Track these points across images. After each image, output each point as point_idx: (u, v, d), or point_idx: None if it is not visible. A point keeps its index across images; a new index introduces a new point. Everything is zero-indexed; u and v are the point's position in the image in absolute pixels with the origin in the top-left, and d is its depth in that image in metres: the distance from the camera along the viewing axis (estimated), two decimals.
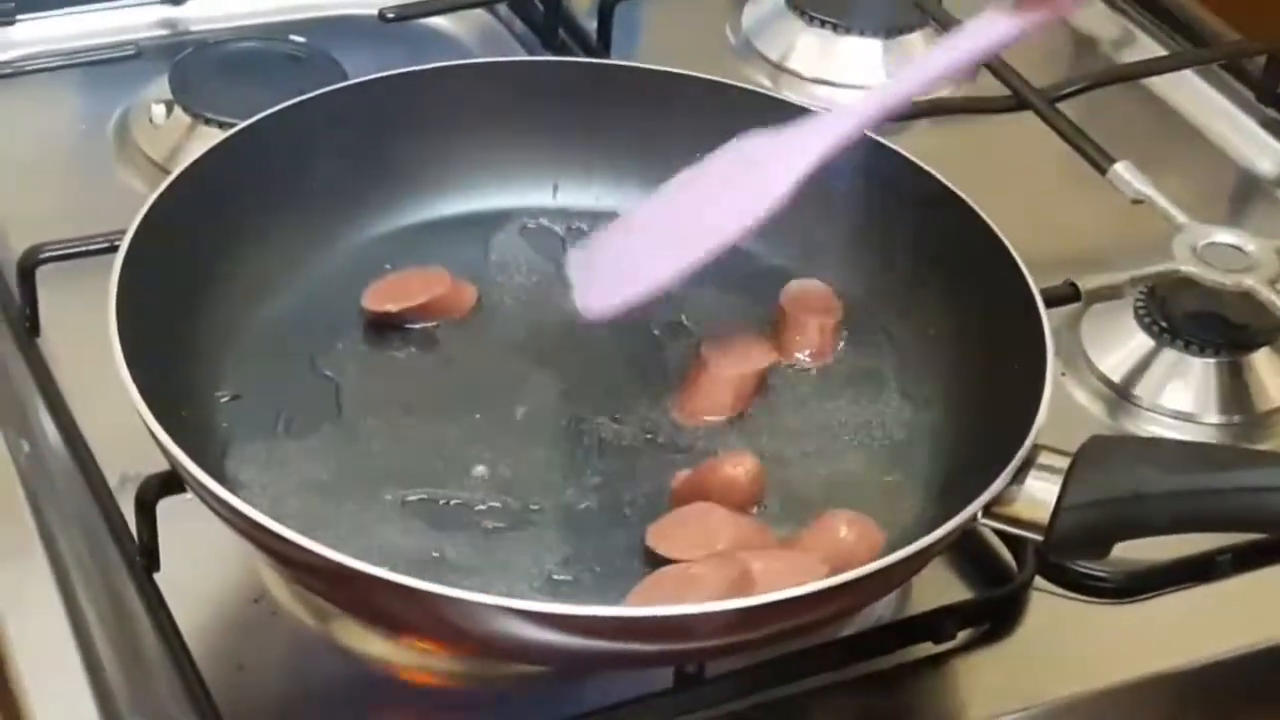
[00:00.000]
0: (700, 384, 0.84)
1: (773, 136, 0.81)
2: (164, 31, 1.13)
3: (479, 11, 1.16)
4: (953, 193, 0.87)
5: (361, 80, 0.92)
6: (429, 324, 0.87)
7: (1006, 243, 0.84)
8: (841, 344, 0.87)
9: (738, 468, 0.79)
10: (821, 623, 0.75)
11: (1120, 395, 0.93)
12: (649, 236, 0.82)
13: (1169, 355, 0.93)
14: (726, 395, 0.84)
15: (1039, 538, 0.74)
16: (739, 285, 0.90)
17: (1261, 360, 0.94)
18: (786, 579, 0.70)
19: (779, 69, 1.15)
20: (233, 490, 0.72)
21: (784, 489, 0.80)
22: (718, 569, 0.73)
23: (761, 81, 1.14)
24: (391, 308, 0.86)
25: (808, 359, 0.86)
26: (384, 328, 0.86)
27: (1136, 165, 0.99)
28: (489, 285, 0.89)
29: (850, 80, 1.14)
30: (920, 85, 0.82)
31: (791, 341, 0.86)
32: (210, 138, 0.89)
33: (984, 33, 0.80)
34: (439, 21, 1.15)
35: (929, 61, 0.81)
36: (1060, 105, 1.06)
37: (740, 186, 0.80)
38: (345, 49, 1.07)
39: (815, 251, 0.90)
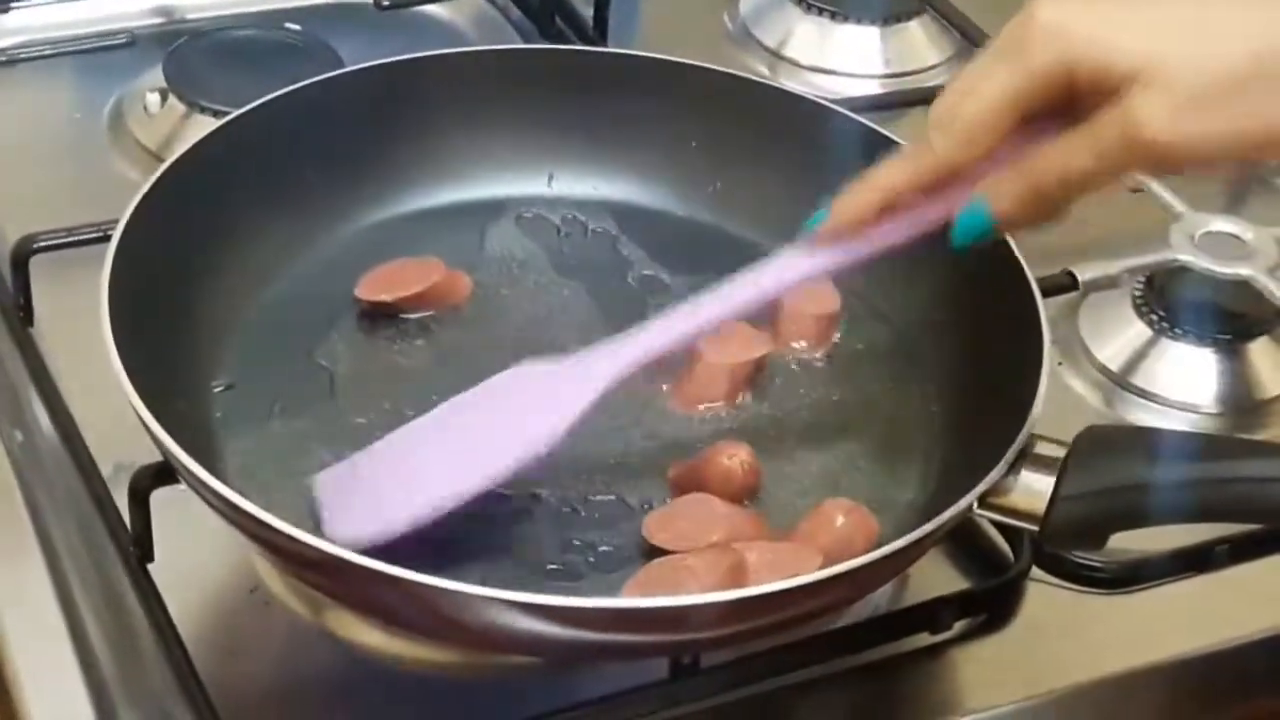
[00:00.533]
0: (695, 372, 0.83)
1: (553, 368, 0.77)
2: (158, 19, 1.13)
3: None
4: None
5: (356, 68, 0.91)
6: (423, 313, 0.86)
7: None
8: (838, 334, 0.87)
9: (733, 459, 0.78)
10: (817, 614, 0.75)
11: (1118, 384, 0.93)
12: (414, 463, 0.75)
13: (1167, 344, 0.93)
14: (721, 384, 0.83)
15: (1035, 528, 0.73)
16: (733, 274, 0.89)
17: (1259, 349, 0.94)
18: (781, 570, 0.70)
19: (776, 57, 1.15)
20: (226, 481, 0.71)
21: (780, 479, 0.80)
22: (712, 560, 0.73)
23: (759, 69, 1.13)
24: (385, 297, 0.86)
25: (804, 349, 0.86)
26: (378, 317, 0.86)
27: None
28: (484, 275, 0.89)
29: (848, 68, 1.14)
30: (705, 322, 0.77)
31: (788, 331, 0.86)
32: (205, 126, 0.89)
33: (783, 270, 0.77)
34: (435, 9, 1.15)
35: (721, 297, 0.77)
36: None
37: (521, 414, 0.76)
38: (341, 36, 1.07)
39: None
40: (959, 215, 0.72)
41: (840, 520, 0.76)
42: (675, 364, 0.84)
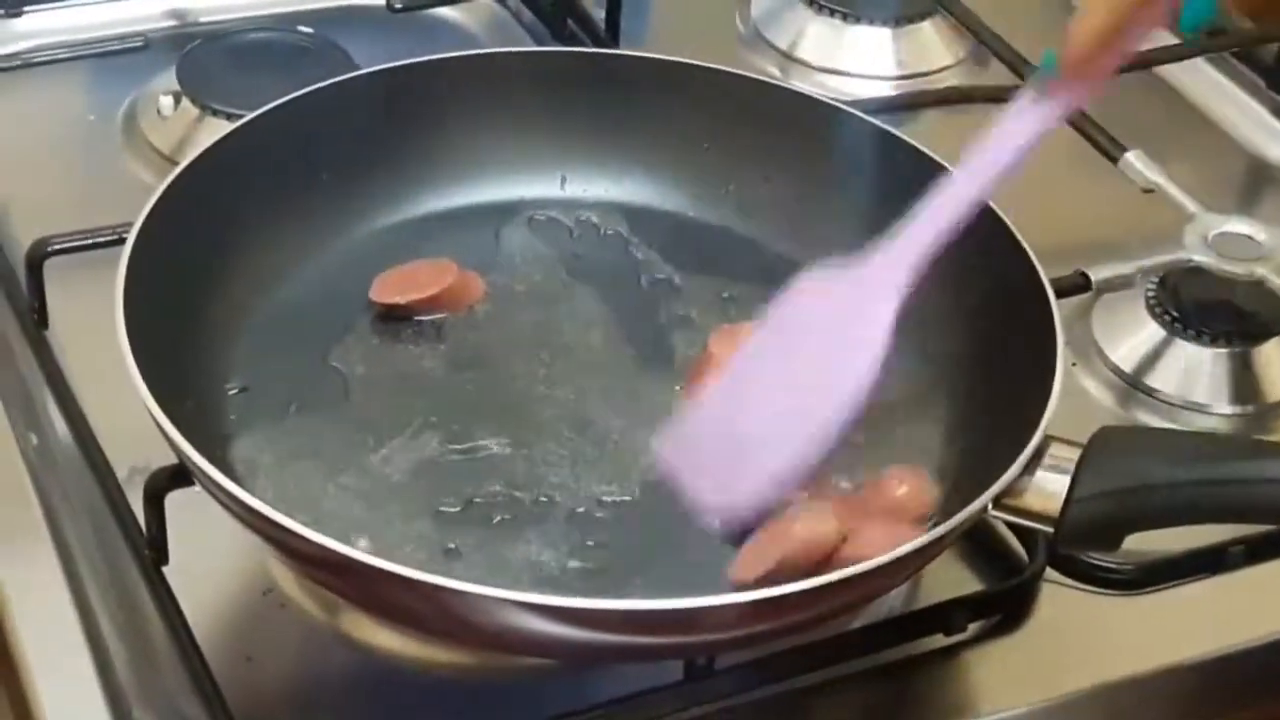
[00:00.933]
0: (706, 373, 0.83)
1: (838, 283, 0.76)
2: (172, 23, 1.13)
3: (487, 1, 1.16)
4: None
5: (369, 71, 0.92)
6: (437, 315, 0.86)
7: (1017, 232, 0.83)
8: None
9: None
10: (832, 615, 0.75)
11: (1131, 385, 0.93)
12: (753, 424, 0.75)
13: (1180, 345, 0.93)
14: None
15: (1050, 529, 0.73)
16: (746, 276, 0.90)
17: (1273, 350, 0.93)
18: (880, 545, 0.69)
19: (788, 58, 1.15)
20: (240, 483, 0.71)
21: None
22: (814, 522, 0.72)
23: (770, 71, 1.13)
24: (399, 300, 0.86)
25: None
26: (392, 319, 0.86)
27: (1148, 154, 0.99)
28: (497, 277, 0.89)
29: (860, 69, 1.14)
30: (973, 193, 0.77)
31: None
32: (218, 129, 0.89)
33: (1026, 120, 0.76)
34: (447, 12, 1.15)
35: (976, 164, 0.76)
36: None
37: (833, 346, 0.75)
38: (353, 39, 1.07)
39: (822, 242, 0.90)
40: (1184, 3, 0.71)
41: (900, 488, 0.76)
42: (687, 364, 0.84)
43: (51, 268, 0.90)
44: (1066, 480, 0.73)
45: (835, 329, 0.75)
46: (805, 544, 0.73)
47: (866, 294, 0.76)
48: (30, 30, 1.11)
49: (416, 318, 0.86)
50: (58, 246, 0.90)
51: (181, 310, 0.81)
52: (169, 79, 1.05)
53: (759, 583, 0.71)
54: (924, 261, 0.76)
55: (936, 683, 0.78)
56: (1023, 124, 0.76)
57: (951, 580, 0.81)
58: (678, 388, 0.83)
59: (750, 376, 0.77)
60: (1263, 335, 0.93)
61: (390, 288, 0.86)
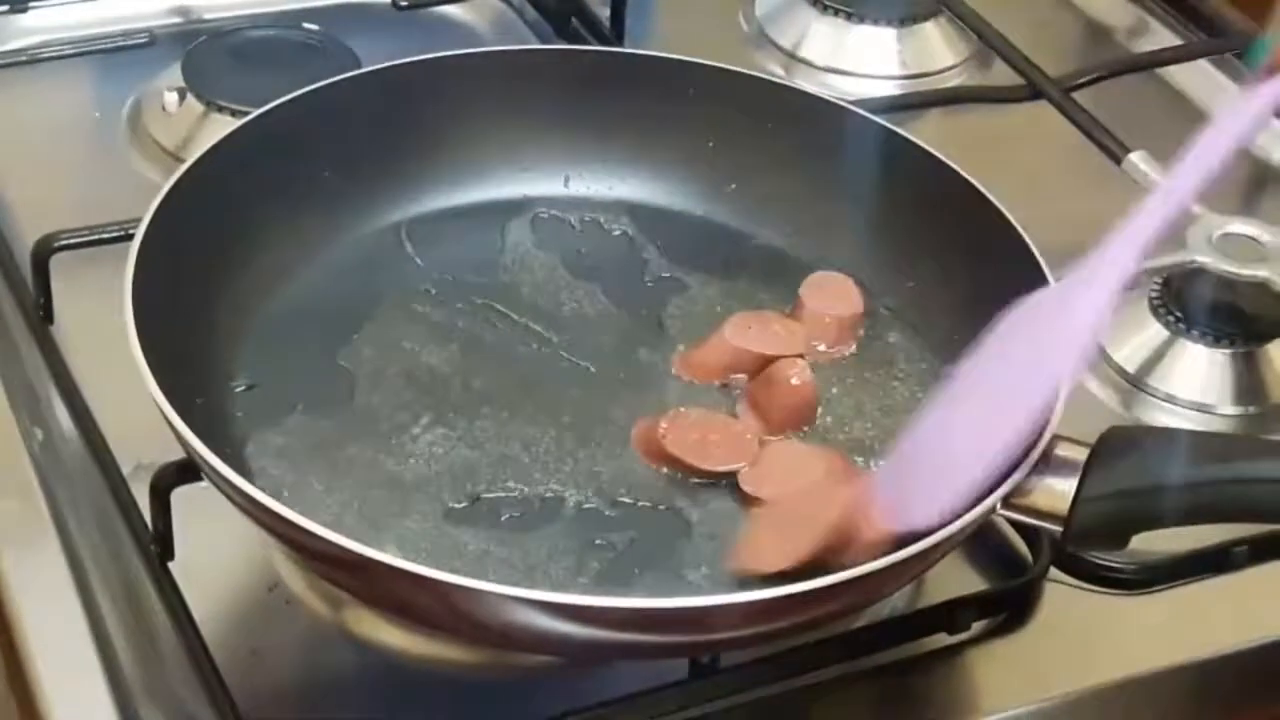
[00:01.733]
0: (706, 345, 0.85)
1: (1042, 300, 0.76)
2: (177, 19, 1.13)
3: (493, 0, 1.16)
4: (967, 182, 0.87)
5: (375, 68, 0.91)
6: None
7: (1022, 232, 0.84)
8: (860, 336, 0.87)
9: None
10: (837, 615, 0.75)
11: (1134, 386, 0.93)
12: (958, 434, 0.74)
13: (1184, 346, 0.93)
14: (723, 359, 0.84)
15: (1058, 529, 0.73)
16: (749, 274, 0.90)
17: (1276, 351, 0.93)
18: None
19: (792, 58, 1.15)
20: (247, 479, 0.71)
21: None
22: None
23: (775, 70, 1.13)
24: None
25: (825, 351, 0.86)
26: (398, 316, 0.86)
27: (1151, 155, 0.99)
28: (502, 275, 0.89)
29: (864, 69, 1.14)
30: (1187, 195, 0.76)
31: (809, 333, 0.86)
32: (223, 126, 0.89)
33: (1241, 115, 0.75)
34: (452, 10, 1.15)
35: (1191, 164, 0.74)
36: (1075, 95, 1.06)
37: (1041, 349, 0.73)
38: (359, 37, 1.07)
39: (828, 241, 0.90)
40: None
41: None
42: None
43: (57, 264, 0.90)
44: (1074, 480, 0.73)
45: (1047, 335, 0.74)
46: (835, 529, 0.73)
47: (1078, 297, 0.74)
48: (36, 26, 1.11)
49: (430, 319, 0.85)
50: (64, 242, 0.90)
51: (189, 306, 0.81)
52: (174, 75, 1.04)
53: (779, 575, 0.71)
54: (1139, 258, 0.74)
55: (940, 682, 0.78)
56: (1234, 119, 0.75)
57: (955, 580, 0.81)
58: (679, 373, 0.84)
59: (961, 396, 0.75)
60: (1266, 336, 0.93)
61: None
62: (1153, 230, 0.74)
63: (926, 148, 0.89)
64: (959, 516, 0.71)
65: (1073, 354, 0.73)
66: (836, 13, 1.15)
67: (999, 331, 0.75)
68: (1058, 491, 0.73)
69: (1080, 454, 0.73)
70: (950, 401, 0.75)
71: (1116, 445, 0.73)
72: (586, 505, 0.78)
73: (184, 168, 0.82)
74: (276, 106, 0.87)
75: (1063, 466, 0.73)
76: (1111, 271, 0.73)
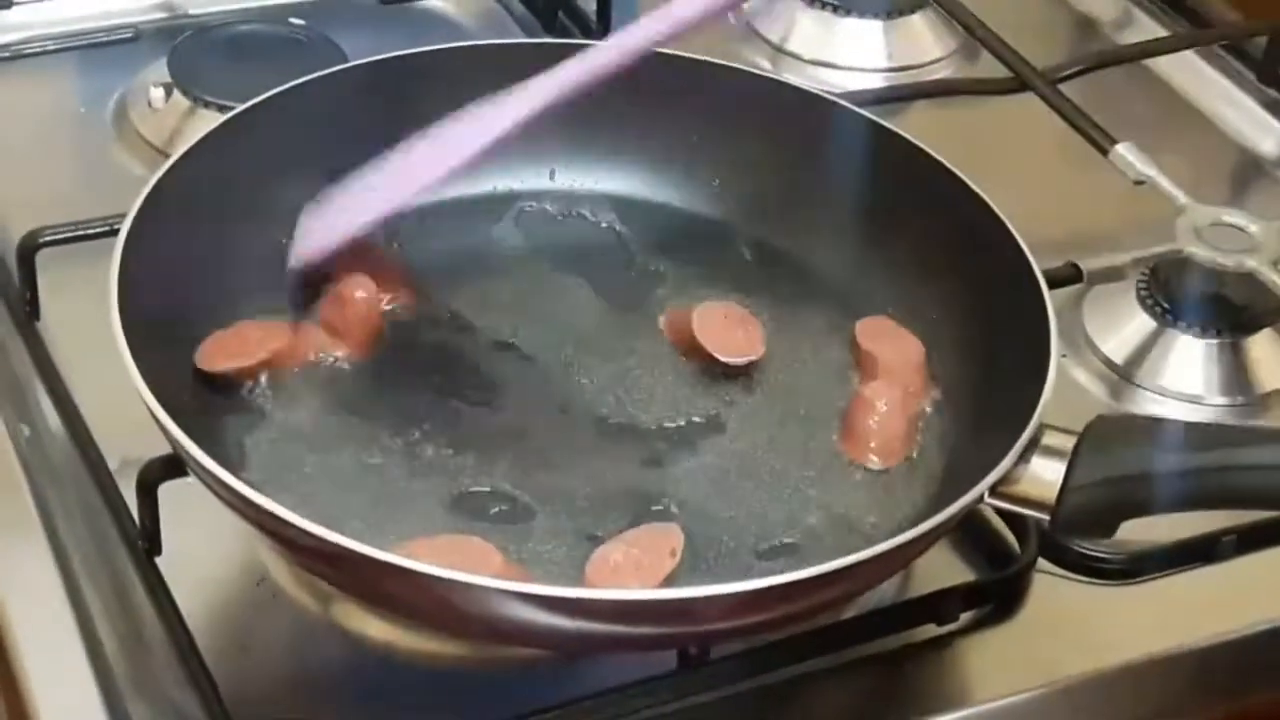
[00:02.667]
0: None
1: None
2: (162, 14, 1.13)
3: None
4: (954, 174, 0.87)
5: (360, 62, 0.91)
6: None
7: (1008, 224, 0.84)
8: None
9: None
10: (825, 605, 0.75)
11: (1122, 377, 0.93)
12: (365, 186, 0.84)
13: (1171, 336, 0.93)
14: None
15: (1046, 517, 0.73)
16: (735, 267, 0.90)
17: (1263, 341, 0.94)
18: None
19: (779, 51, 1.15)
20: (235, 473, 0.71)
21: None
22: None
23: (761, 63, 1.13)
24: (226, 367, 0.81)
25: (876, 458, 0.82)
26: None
27: (1138, 146, 0.99)
28: (487, 268, 0.89)
29: (851, 62, 1.14)
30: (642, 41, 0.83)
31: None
32: (209, 121, 0.89)
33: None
34: (438, 4, 1.15)
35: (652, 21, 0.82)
36: (1061, 86, 1.06)
37: (456, 131, 0.83)
38: (345, 32, 1.07)
39: (814, 234, 0.90)
40: None
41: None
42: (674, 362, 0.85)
43: (43, 259, 0.90)
44: (1062, 468, 0.73)
45: (464, 121, 0.84)
46: None
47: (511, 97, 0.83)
48: (20, 22, 1.10)
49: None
50: (49, 238, 0.90)
51: (174, 301, 0.80)
52: (160, 70, 1.04)
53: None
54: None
55: (929, 672, 0.78)
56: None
57: (943, 570, 0.81)
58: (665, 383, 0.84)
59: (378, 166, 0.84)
60: (1254, 326, 0.93)
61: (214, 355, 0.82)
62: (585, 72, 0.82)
63: (913, 140, 0.89)
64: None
65: (484, 132, 0.82)
66: (823, 6, 1.15)
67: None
68: (1045, 480, 0.73)
69: (1068, 442, 0.73)
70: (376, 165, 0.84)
71: (1104, 433, 0.73)
72: (575, 499, 0.78)
73: (168, 163, 0.82)
74: (261, 102, 0.87)
75: (1050, 455, 0.73)
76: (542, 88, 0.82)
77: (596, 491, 0.79)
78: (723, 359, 0.84)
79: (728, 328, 0.85)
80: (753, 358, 0.85)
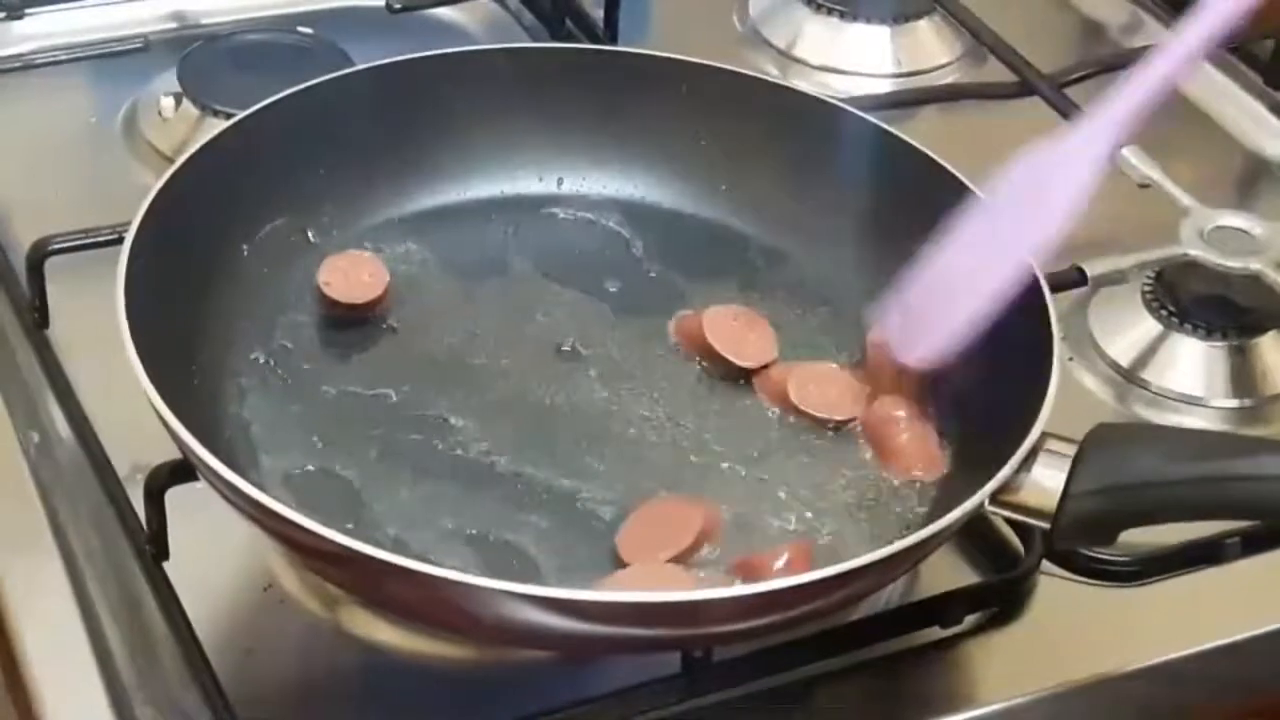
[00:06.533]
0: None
1: (1050, 148, 0.81)
2: (172, 24, 1.13)
3: (487, 2, 1.17)
4: (957, 179, 0.87)
5: (366, 67, 0.92)
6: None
7: None
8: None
9: None
10: (829, 609, 0.75)
11: (1128, 380, 0.93)
12: (955, 274, 0.80)
13: (1177, 339, 0.93)
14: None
15: (1046, 525, 0.74)
16: (742, 272, 0.90)
17: (1269, 344, 0.94)
18: None
19: (786, 57, 1.15)
20: (241, 476, 0.72)
21: None
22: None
23: (768, 69, 1.14)
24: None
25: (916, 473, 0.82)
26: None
27: (1144, 150, 0.99)
28: (494, 273, 0.89)
29: (857, 68, 1.14)
30: (1170, 73, 0.81)
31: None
32: (218, 129, 0.89)
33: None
34: (447, 12, 1.15)
35: (1173, 49, 0.80)
36: (1067, 90, 1.06)
37: (1033, 203, 0.80)
38: (353, 40, 1.07)
39: (820, 239, 0.91)
40: None
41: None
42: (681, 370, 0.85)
43: (52, 267, 0.90)
44: (1062, 476, 0.73)
45: (1039, 189, 0.80)
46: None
47: (1070, 155, 0.79)
48: (32, 32, 1.11)
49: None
50: (58, 246, 0.90)
51: (182, 307, 0.81)
52: (170, 80, 1.05)
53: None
54: (1126, 126, 0.79)
55: (933, 675, 0.79)
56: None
57: (948, 573, 0.81)
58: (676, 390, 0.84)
59: (962, 241, 0.81)
60: (1259, 329, 0.94)
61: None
62: (1142, 100, 0.79)
63: (917, 145, 0.89)
64: (959, 347, 0.77)
65: (1065, 206, 0.78)
66: (830, 11, 1.16)
67: (997, 185, 0.81)
68: (1046, 488, 0.73)
69: (1069, 451, 0.74)
70: (951, 245, 0.80)
71: (1104, 442, 0.74)
72: (580, 504, 0.78)
73: (172, 169, 0.83)
74: (265, 107, 0.87)
75: (1051, 463, 0.73)
76: (1104, 135, 0.79)
77: (600, 495, 0.79)
78: (738, 363, 0.84)
79: (739, 331, 0.86)
80: (767, 361, 0.85)
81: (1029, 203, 0.79)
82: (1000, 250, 0.79)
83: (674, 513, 0.77)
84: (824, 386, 0.83)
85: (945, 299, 0.79)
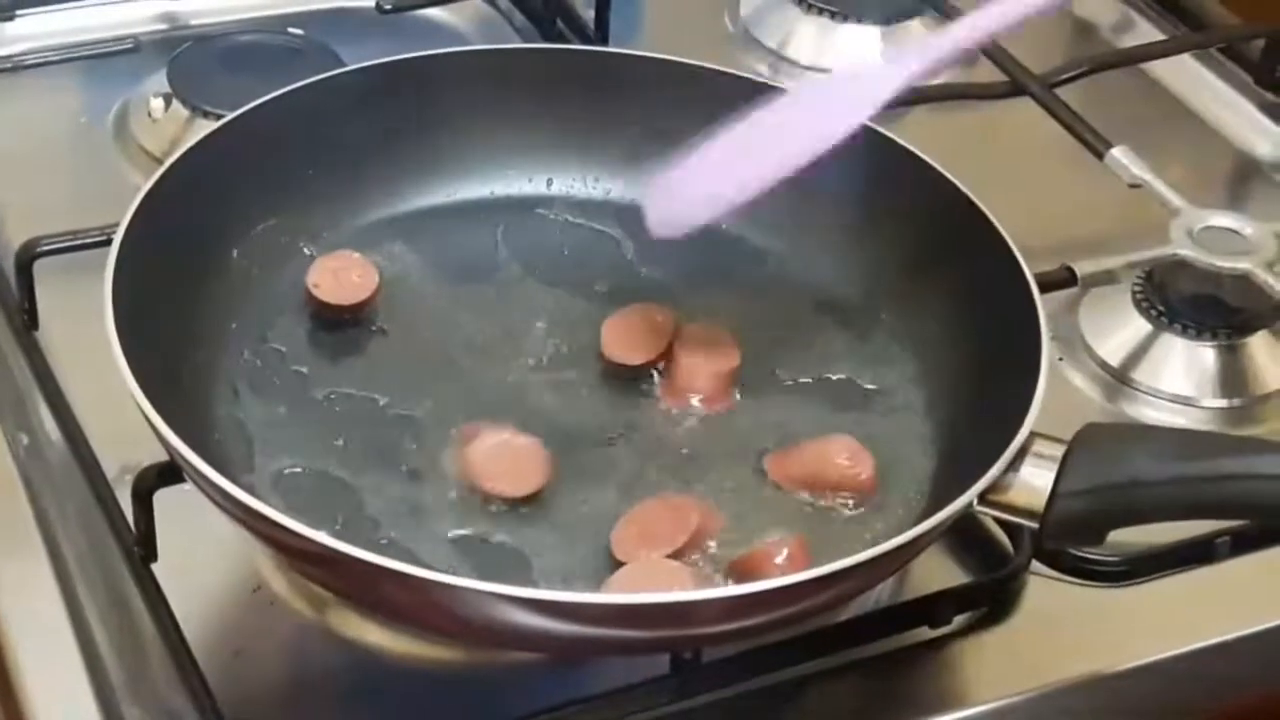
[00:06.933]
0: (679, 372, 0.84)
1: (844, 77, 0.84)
2: (162, 25, 1.13)
3: (478, 3, 1.17)
4: (945, 178, 0.87)
5: (356, 67, 0.91)
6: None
7: (1000, 228, 0.84)
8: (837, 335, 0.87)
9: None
10: (818, 609, 0.75)
11: (1118, 380, 0.93)
12: (722, 162, 0.82)
13: (1167, 339, 0.93)
14: (710, 386, 0.84)
15: (1034, 525, 0.74)
16: (732, 273, 0.90)
17: (1259, 344, 0.94)
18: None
19: (778, 57, 1.15)
20: (229, 478, 0.72)
21: None
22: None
23: (760, 70, 1.14)
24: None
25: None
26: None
27: (1134, 150, 0.99)
28: (484, 275, 0.89)
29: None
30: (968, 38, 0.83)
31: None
32: (208, 131, 0.89)
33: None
34: (437, 13, 1.15)
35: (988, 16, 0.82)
36: (1058, 90, 1.06)
37: (815, 114, 0.82)
38: (343, 41, 1.07)
39: (809, 239, 0.91)
40: None
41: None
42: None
43: (41, 269, 0.90)
44: (1051, 476, 0.73)
45: (829, 99, 0.83)
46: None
47: (869, 76, 0.83)
48: (22, 33, 1.11)
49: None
50: (46, 247, 0.90)
51: (171, 309, 0.81)
52: (160, 81, 1.05)
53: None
54: (938, 61, 0.82)
55: (922, 675, 0.79)
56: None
57: (937, 573, 0.81)
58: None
59: (741, 129, 0.82)
60: (1249, 328, 0.94)
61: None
62: (924, 67, 0.82)
63: (905, 145, 0.89)
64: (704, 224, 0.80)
65: (847, 117, 0.81)
66: (821, 11, 1.16)
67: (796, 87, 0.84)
68: (1034, 488, 0.73)
69: (1057, 451, 0.74)
70: (730, 132, 0.82)
71: (1092, 442, 0.74)
72: (572, 507, 0.78)
73: (161, 170, 0.82)
74: (255, 107, 0.87)
75: (1039, 463, 0.73)
76: (904, 66, 0.81)
77: (590, 500, 0.79)
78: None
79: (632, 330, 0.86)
80: (651, 357, 0.84)
81: (814, 108, 0.82)
82: (774, 143, 0.81)
83: (669, 511, 0.77)
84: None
85: (709, 179, 0.82)
